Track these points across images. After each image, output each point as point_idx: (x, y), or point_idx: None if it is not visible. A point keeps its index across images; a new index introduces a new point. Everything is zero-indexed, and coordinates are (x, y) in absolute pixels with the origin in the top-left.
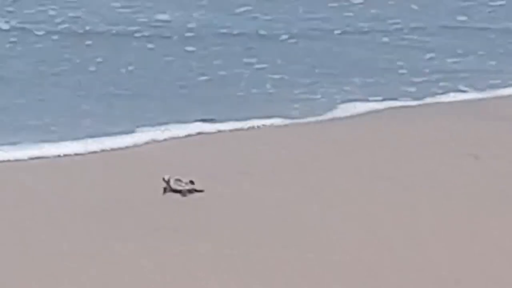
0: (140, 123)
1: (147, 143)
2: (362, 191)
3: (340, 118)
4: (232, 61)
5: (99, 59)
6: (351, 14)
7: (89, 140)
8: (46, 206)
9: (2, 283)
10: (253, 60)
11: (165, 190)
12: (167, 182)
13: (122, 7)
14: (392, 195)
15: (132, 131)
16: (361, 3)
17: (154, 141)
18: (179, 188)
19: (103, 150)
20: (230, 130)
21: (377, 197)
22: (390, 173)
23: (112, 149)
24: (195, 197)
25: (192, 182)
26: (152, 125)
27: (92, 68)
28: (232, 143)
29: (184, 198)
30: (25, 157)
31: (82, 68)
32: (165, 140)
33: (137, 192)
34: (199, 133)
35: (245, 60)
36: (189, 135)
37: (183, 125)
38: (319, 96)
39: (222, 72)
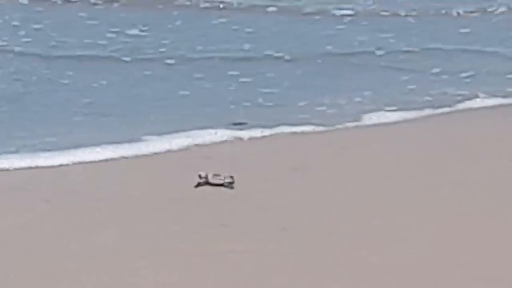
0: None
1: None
2: (401, 197)
3: (368, 126)
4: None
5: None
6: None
7: (126, 145)
8: (104, 207)
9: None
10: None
11: (198, 184)
12: (205, 177)
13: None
14: (449, 204)
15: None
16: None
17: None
18: (219, 182)
19: (137, 156)
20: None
21: (434, 204)
22: (441, 178)
23: (148, 154)
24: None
25: (231, 177)
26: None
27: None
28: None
29: (230, 195)
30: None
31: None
32: (203, 144)
33: (184, 193)
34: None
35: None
36: (226, 141)
37: (215, 130)
38: (344, 103)
39: (245, 79)
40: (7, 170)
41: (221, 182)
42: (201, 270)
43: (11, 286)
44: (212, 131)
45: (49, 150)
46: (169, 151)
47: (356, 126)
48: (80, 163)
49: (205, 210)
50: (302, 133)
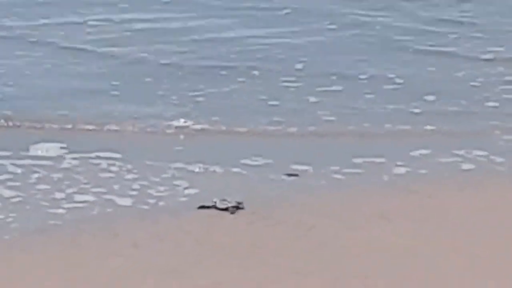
0: None
1: None
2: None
3: None
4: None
5: None
6: None
7: None
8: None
9: None
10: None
11: (203, 207)
12: (215, 203)
13: None
14: None
15: None
16: None
17: None
18: (224, 206)
19: None
20: None
21: None
22: None
23: None
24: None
25: (238, 203)
26: None
27: None
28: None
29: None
30: None
31: None
32: None
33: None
34: None
35: None
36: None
37: None
38: None
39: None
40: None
41: (225, 206)
42: None
43: None
44: None
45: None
46: None
47: None
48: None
49: (287, 256)
50: None
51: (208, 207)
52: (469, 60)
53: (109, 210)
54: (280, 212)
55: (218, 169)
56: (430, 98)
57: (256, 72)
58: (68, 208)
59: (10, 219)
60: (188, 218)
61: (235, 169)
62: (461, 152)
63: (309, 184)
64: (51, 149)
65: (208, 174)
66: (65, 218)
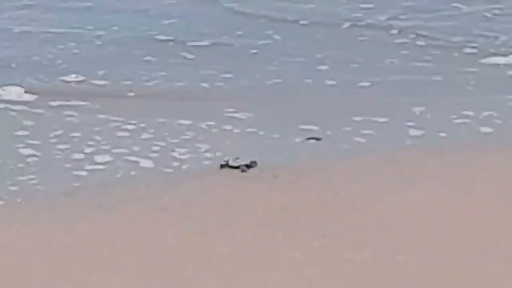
0: None
1: None
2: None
3: None
4: None
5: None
6: None
7: None
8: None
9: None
10: None
11: (221, 166)
12: (227, 161)
13: None
14: None
15: None
16: None
17: None
18: (236, 164)
19: None
20: None
21: None
22: None
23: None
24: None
25: (251, 162)
26: None
27: None
28: None
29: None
30: None
31: None
32: None
33: (293, 202)
34: None
35: None
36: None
37: None
38: None
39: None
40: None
41: (237, 165)
42: (311, 279)
43: None
44: None
45: None
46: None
47: None
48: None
49: (318, 219)
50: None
51: (221, 166)
52: None
53: (133, 173)
54: (305, 176)
55: (243, 130)
56: None
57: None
58: (91, 170)
59: (33, 181)
60: (214, 181)
61: (261, 132)
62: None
63: (333, 148)
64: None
65: (229, 135)
66: (89, 180)
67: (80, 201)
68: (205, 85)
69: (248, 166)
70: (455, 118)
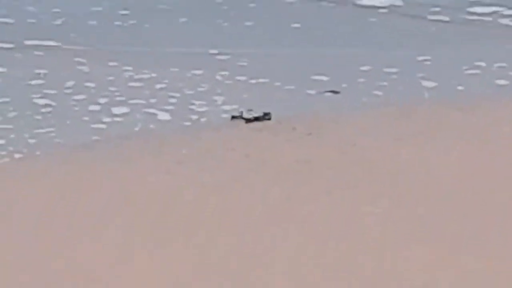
0: None
1: None
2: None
3: None
4: None
5: None
6: None
7: None
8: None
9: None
10: None
11: (233, 117)
12: (241, 113)
13: None
14: None
15: None
16: None
17: None
18: (249, 116)
19: None
20: None
21: None
22: None
23: None
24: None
25: (266, 113)
26: None
27: None
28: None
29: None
30: None
31: None
32: None
33: (314, 155)
34: None
35: None
36: None
37: None
38: None
39: None
40: None
41: (257, 115)
42: (327, 232)
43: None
44: None
45: None
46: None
47: None
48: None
49: (335, 172)
50: None
51: (232, 117)
52: None
53: (152, 126)
54: (322, 128)
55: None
56: None
57: None
58: (108, 123)
59: (52, 134)
60: (230, 134)
61: (276, 83)
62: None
63: (351, 101)
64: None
65: (244, 86)
66: (107, 133)
67: (98, 154)
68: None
69: (262, 118)
70: (467, 69)
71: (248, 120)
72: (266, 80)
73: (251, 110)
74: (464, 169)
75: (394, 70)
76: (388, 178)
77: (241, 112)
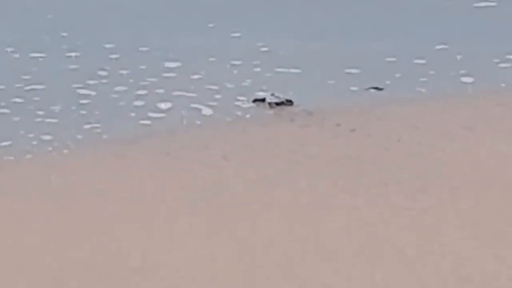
0: None
1: None
2: None
3: None
4: None
5: None
6: None
7: None
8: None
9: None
10: None
11: (255, 100)
12: (263, 98)
13: None
14: None
15: None
16: None
17: None
18: (269, 101)
19: None
20: None
21: None
22: None
23: None
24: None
25: (287, 100)
26: None
27: None
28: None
29: (399, 153)
30: None
31: None
32: None
33: (357, 151)
34: None
35: None
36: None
37: None
38: None
39: None
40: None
41: (280, 101)
42: (375, 227)
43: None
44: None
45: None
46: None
47: None
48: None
49: (379, 167)
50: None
51: (254, 100)
52: None
53: (198, 122)
54: (366, 124)
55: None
56: None
57: None
58: (154, 118)
59: (98, 130)
60: (276, 129)
61: (319, 79)
62: None
63: (394, 97)
64: None
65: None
66: (154, 128)
67: (144, 148)
68: None
69: (284, 103)
70: (500, 62)
71: (270, 105)
72: (309, 75)
73: (273, 95)
74: (508, 165)
75: (434, 66)
76: (432, 173)
77: (264, 98)
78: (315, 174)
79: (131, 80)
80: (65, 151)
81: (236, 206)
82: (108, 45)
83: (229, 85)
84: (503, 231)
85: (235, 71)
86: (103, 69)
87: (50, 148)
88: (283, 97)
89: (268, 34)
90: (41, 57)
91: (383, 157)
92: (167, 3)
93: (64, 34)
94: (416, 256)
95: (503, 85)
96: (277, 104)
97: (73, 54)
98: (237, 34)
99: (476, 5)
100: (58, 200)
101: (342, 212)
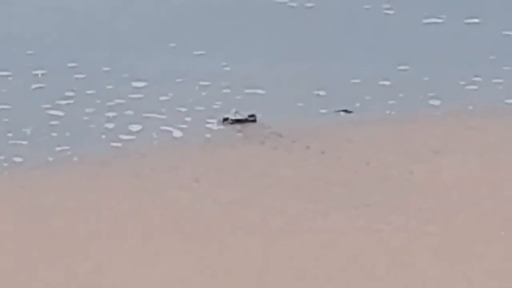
0: None
1: None
2: None
3: None
4: None
5: None
6: None
7: None
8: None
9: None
10: None
11: (224, 120)
12: (228, 116)
13: None
14: None
15: None
16: None
17: None
18: (237, 118)
19: None
20: None
21: None
22: None
23: None
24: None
25: (250, 116)
26: None
27: None
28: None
29: (372, 176)
30: None
31: None
32: None
33: (328, 174)
34: None
35: None
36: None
37: None
38: None
39: None
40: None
41: (243, 118)
42: (345, 248)
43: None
44: None
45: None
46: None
47: None
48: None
49: (349, 189)
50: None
51: (225, 119)
52: None
53: (167, 142)
54: (336, 146)
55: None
56: None
57: None
58: (125, 140)
59: (69, 153)
60: (246, 152)
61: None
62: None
63: (363, 120)
64: None
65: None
66: (125, 150)
67: (116, 170)
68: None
69: (247, 120)
70: (466, 85)
71: (233, 121)
72: (278, 97)
73: (237, 112)
74: (477, 186)
75: (400, 87)
76: (401, 195)
77: (228, 117)
78: (286, 196)
79: (98, 101)
80: (37, 172)
81: (207, 228)
82: (71, 64)
83: (198, 107)
84: (471, 252)
85: (204, 93)
86: (70, 90)
87: (21, 170)
88: (245, 113)
89: (232, 55)
90: (8, 75)
91: (352, 179)
92: (126, 24)
93: (30, 52)
94: (386, 277)
95: (470, 107)
96: (238, 121)
97: (39, 72)
98: (201, 52)
99: (425, 21)
100: (30, 221)
101: (312, 234)
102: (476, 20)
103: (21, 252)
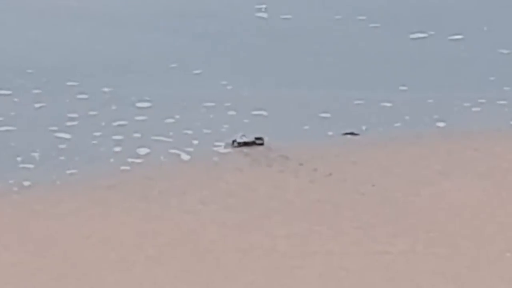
0: None
1: None
2: None
3: None
4: None
5: None
6: None
7: None
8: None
9: None
10: None
11: (233, 142)
12: (235, 139)
13: None
14: None
15: None
16: None
17: None
18: (244, 140)
19: None
20: None
21: None
22: None
23: None
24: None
25: (257, 138)
26: None
27: None
28: None
29: (378, 198)
30: None
31: None
32: None
33: (332, 196)
34: None
35: None
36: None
37: None
38: None
39: None
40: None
41: (250, 140)
42: (348, 271)
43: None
44: None
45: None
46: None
47: None
48: None
49: (355, 212)
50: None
51: (233, 142)
52: None
53: (175, 165)
54: (342, 169)
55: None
56: None
57: None
58: (134, 163)
59: (77, 177)
60: (253, 175)
61: (295, 124)
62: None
63: (368, 142)
64: None
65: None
66: (133, 174)
67: (123, 194)
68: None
69: (254, 143)
70: (472, 106)
71: (241, 144)
72: (284, 120)
73: (244, 135)
74: (482, 208)
75: (403, 109)
76: (407, 217)
77: (235, 139)
78: (292, 219)
79: (103, 123)
80: (46, 197)
81: (213, 252)
82: (70, 83)
83: (205, 130)
84: (477, 275)
85: (211, 115)
86: (73, 111)
87: (30, 194)
88: (252, 136)
89: (235, 77)
90: (8, 94)
91: (358, 202)
92: (122, 44)
93: (30, 71)
94: None
95: (475, 128)
96: (245, 143)
97: (39, 91)
98: (198, 71)
99: (411, 36)
100: (37, 247)
101: (318, 257)
102: (460, 37)
103: (28, 278)
